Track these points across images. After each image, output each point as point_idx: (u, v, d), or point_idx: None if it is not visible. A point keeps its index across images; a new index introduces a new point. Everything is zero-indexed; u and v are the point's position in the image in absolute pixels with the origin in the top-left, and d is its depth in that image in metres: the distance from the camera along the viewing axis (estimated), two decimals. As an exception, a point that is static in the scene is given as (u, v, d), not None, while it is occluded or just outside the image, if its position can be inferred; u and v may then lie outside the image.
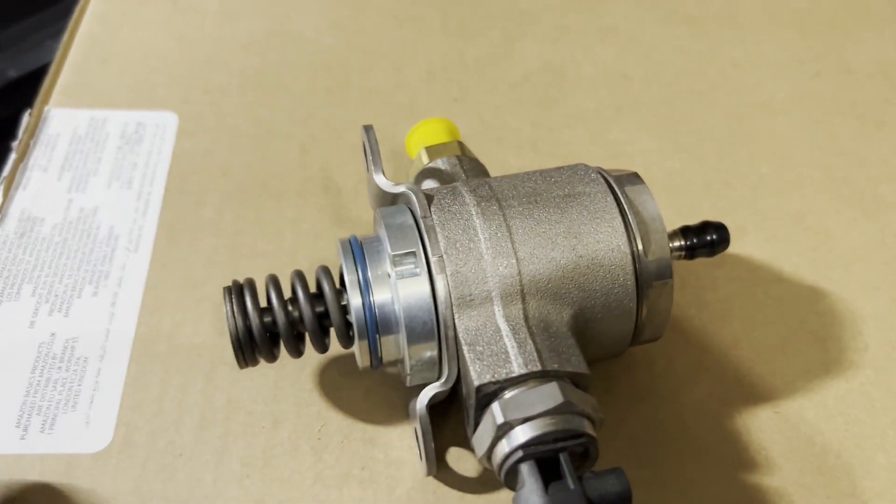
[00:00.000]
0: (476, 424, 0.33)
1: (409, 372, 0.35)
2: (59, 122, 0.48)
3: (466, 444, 0.37)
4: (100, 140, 0.48)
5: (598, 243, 0.34)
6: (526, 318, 0.33)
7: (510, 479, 0.31)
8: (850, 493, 0.36)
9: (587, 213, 0.34)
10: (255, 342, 0.35)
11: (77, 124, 0.48)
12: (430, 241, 0.33)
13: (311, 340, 0.35)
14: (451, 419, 0.38)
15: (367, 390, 0.39)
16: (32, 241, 0.43)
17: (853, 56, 0.54)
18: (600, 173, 0.36)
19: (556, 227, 0.34)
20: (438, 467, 0.36)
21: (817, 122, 0.50)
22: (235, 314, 0.34)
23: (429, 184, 0.40)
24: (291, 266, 0.43)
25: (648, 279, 0.34)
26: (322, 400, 0.39)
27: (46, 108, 0.49)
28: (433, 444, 0.34)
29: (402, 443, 0.37)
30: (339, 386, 0.39)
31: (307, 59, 0.53)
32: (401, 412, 0.38)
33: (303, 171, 0.48)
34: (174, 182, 0.46)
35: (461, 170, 0.40)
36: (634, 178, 0.36)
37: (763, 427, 0.38)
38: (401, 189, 0.35)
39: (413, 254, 0.34)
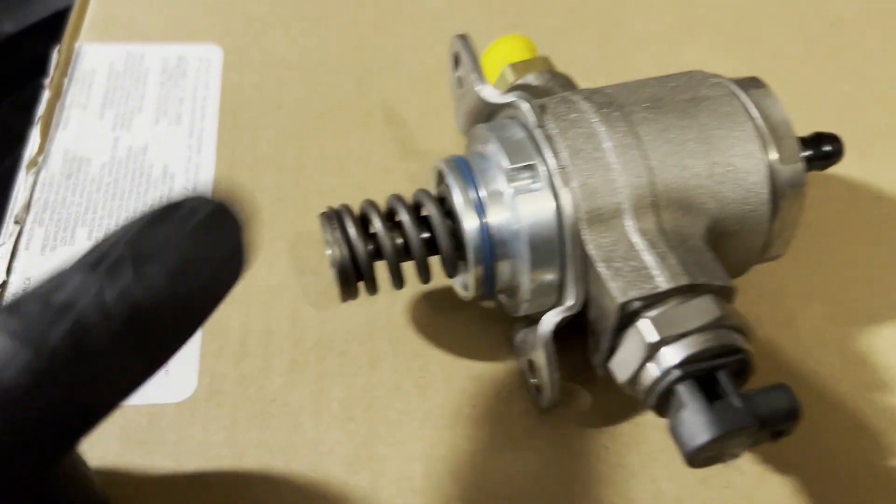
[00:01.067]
0: (611, 348, 0.30)
1: (527, 299, 0.32)
2: (92, 57, 0.44)
3: (577, 377, 0.35)
4: (140, 76, 0.44)
5: (731, 148, 0.31)
6: (662, 231, 0.30)
7: (662, 403, 0.28)
8: None
9: (717, 117, 0.32)
10: (360, 271, 0.31)
11: (113, 60, 0.44)
12: (550, 151, 0.30)
13: (418, 269, 0.32)
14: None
15: (463, 325, 0.36)
16: (81, 182, 0.39)
17: (918, -28, 0.52)
18: (720, 78, 0.34)
19: (686, 132, 0.31)
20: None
21: (890, 38, 0.48)
22: (339, 241, 0.31)
23: (522, 93, 0.36)
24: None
25: (782, 187, 0.32)
26: (418, 337, 0.36)
27: (77, 45, 0.45)
28: (558, 375, 0.32)
29: (511, 378, 0.35)
30: (433, 321, 0.36)
31: (351, -12, 0.50)
32: (502, 347, 0.36)
33: (361, 103, 0.44)
34: (227, 118, 0.43)
35: (556, 84, 0.37)
36: (757, 81, 0.34)
37: (888, 347, 0.36)
38: (510, 98, 0.32)
39: (532, 167, 0.31)
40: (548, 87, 0.37)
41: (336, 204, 0.40)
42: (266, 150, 0.42)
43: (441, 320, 0.36)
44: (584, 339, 0.32)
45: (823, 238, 0.39)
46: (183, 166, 0.40)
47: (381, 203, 0.33)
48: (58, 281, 0.19)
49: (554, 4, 0.49)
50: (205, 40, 0.46)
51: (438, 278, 0.33)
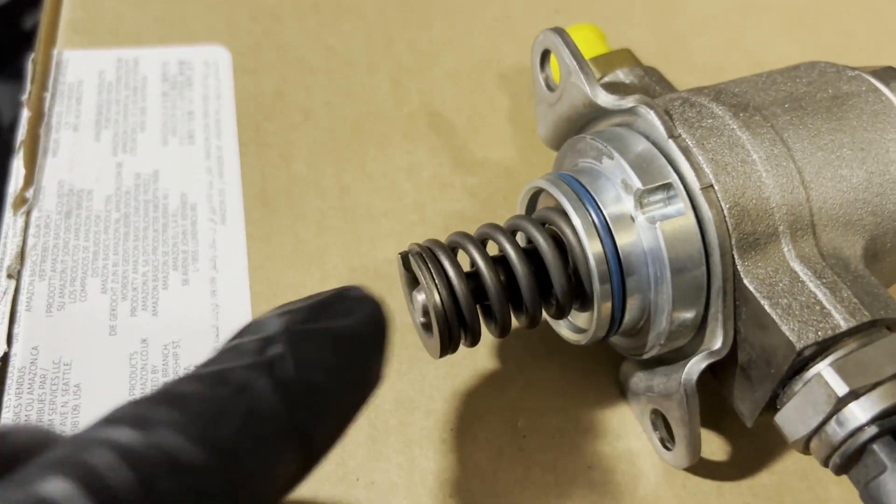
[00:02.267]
0: (775, 397, 0.25)
1: (660, 342, 0.27)
2: (77, 66, 0.37)
3: (704, 422, 0.30)
4: (136, 86, 0.37)
5: (888, 153, 0.27)
6: (822, 256, 0.26)
7: (849, 463, 0.24)
8: None
9: (867, 118, 0.27)
10: (464, 319, 0.26)
11: (102, 68, 0.37)
12: (691, 166, 0.25)
13: (527, 311, 0.27)
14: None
15: (561, 369, 0.31)
16: (84, 221, 0.32)
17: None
18: (855, 70, 0.29)
19: (838, 137, 0.27)
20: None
21: (958, 14, 0.45)
22: (438, 285, 0.26)
23: (642, 98, 0.31)
24: (423, 224, 0.35)
25: (941, 194, 0.28)
26: (512, 386, 0.30)
27: (56, 52, 0.38)
28: (699, 429, 0.27)
29: (626, 429, 0.30)
30: (526, 366, 0.31)
31: (365, -26, 0.44)
32: (610, 392, 0.31)
33: (401, 107, 0.38)
34: (247, 133, 0.36)
35: (651, 82, 0.32)
36: (894, 71, 0.29)
37: None
38: (630, 104, 0.27)
39: (668, 186, 0.26)
40: (644, 85, 0.32)
41: (392, 232, 0.34)
42: (300, 169, 0.36)
43: (535, 365, 0.31)
44: (716, 382, 0.28)
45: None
46: (204, 194, 0.34)
47: (443, 234, 0.27)
48: (219, 370, 0.18)
49: (598, -14, 0.44)
50: (208, 41, 0.39)
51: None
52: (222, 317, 0.31)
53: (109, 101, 0.36)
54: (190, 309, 0.31)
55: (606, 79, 0.32)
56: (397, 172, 0.36)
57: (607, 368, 0.31)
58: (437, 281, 0.26)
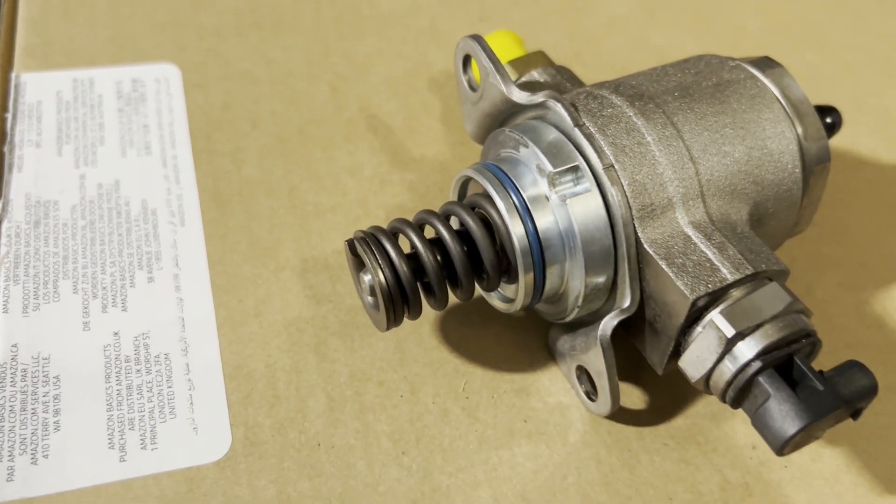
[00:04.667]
0: (678, 345, 0.29)
1: (577, 304, 0.31)
2: (35, 88, 0.40)
3: (623, 375, 0.34)
4: (93, 104, 0.40)
5: (764, 131, 0.31)
6: (712, 221, 0.30)
7: (741, 396, 0.28)
8: None
9: (746, 101, 0.32)
10: (406, 295, 0.29)
11: (59, 88, 0.40)
12: (594, 150, 0.29)
13: (461, 286, 0.30)
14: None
15: (497, 337, 0.35)
16: (52, 229, 0.35)
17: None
18: (735, 61, 0.33)
19: (721, 118, 0.31)
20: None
21: (843, 6, 0.50)
22: (381, 265, 0.29)
23: (551, 93, 0.35)
24: (367, 217, 0.38)
25: (811, 164, 0.32)
26: (454, 356, 0.34)
27: (13, 75, 0.40)
28: (617, 379, 0.31)
29: (556, 387, 0.34)
30: (466, 338, 0.34)
31: (301, -9, 0.47)
32: (540, 355, 0.34)
33: (340, 113, 0.42)
34: (200, 142, 0.39)
35: (563, 79, 0.36)
36: (770, 61, 0.34)
37: (902, 307, 0.37)
38: (540, 99, 0.31)
39: (575, 168, 0.29)
40: (556, 83, 0.35)
41: (339, 225, 0.37)
42: (251, 172, 0.39)
43: (474, 336, 0.35)
44: (630, 338, 0.32)
45: (822, 207, 0.40)
46: (163, 199, 0.37)
47: (386, 225, 0.31)
48: None
49: (516, -5, 0.48)
50: (158, 59, 0.42)
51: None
52: (186, 308, 0.34)
53: (69, 119, 0.39)
54: (156, 303, 0.34)
55: (523, 79, 0.36)
56: (341, 172, 0.39)
57: (537, 335, 0.35)
58: (380, 262, 0.29)
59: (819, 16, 0.49)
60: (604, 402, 0.31)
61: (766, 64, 0.33)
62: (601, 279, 0.30)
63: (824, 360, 0.34)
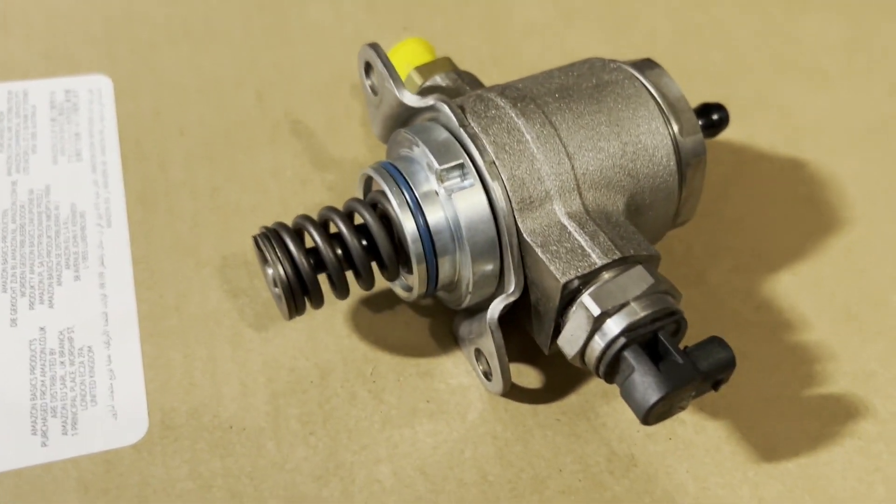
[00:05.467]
0: (557, 326, 0.32)
1: (470, 290, 0.33)
2: (-29, 100, 0.42)
3: (522, 358, 0.36)
4: (27, 114, 0.42)
5: (638, 127, 0.34)
6: (587, 211, 0.32)
7: (611, 371, 0.30)
8: (879, 332, 0.38)
9: (622, 100, 0.34)
10: (305, 286, 0.32)
11: (-6, 100, 0.42)
12: (477, 149, 0.32)
13: (362, 276, 0.33)
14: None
15: (405, 324, 0.37)
16: (-16, 233, 0.37)
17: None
18: (618, 63, 0.36)
19: (596, 117, 0.33)
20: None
21: (750, 7, 0.52)
22: (281, 259, 0.31)
23: (441, 96, 0.38)
24: (286, 216, 0.40)
25: (687, 157, 0.35)
26: (363, 343, 0.36)
27: (-50, 87, 0.42)
28: (507, 359, 0.33)
29: (459, 369, 0.36)
30: (376, 325, 0.37)
31: (234, 1, 0.49)
32: (446, 340, 0.37)
33: (266, 117, 0.44)
34: (129, 148, 0.41)
35: (463, 83, 0.38)
36: (650, 62, 0.36)
37: (788, 290, 0.40)
38: (430, 102, 0.33)
39: (461, 165, 0.32)
40: (457, 87, 0.38)
41: (259, 222, 0.40)
42: (177, 175, 0.41)
43: (384, 323, 0.37)
44: (523, 323, 0.34)
45: (718, 201, 0.43)
46: (92, 202, 0.39)
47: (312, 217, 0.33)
48: None
49: (440, 3, 0.51)
50: (91, 71, 0.44)
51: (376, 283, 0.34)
52: (110, 304, 0.36)
53: (2, 130, 0.41)
54: (81, 299, 0.36)
55: (428, 83, 0.39)
56: (263, 173, 0.42)
57: (443, 321, 0.37)
58: (280, 256, 0.31)
59: (728, 18, 0.52)
60: (497, 382, 0.34)
61: (646, 65, 0.36)
62: (489, 267, 0.32)
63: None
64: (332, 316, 0.37)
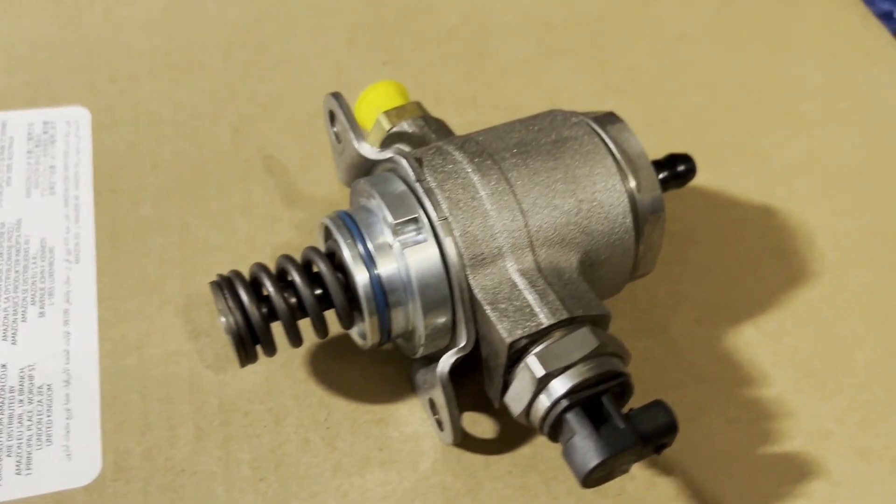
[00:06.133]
0: (506, 383, 0.32)
1: (422, 342, 0.33)
2: (-51, 130, 0.43)
3: (476, 406, 0.37)
4: (4, 145, 0.42)
5: (594, 185, 0.34)
6: (539, 269, 0.32)
7: (555, 431, 0.31)
8: (839, 391, 0.38)
9: (579, 157, 0.34)
10: (256, 336, 0.32)
11: (-28, 131, 0.43)
12: (431, 204, 0.32)
13: (315, 325, 0.33)
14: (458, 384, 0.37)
15: (363, 371, 0.37)
16: (-47, 267, 0.38)
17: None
18: (580, 116, 0.36)
19: (553, 174, 0.33)
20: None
21: (734, 49, 0.52)
22: (232, 309, 0.32)
23: (400, 148, 0.38)
24: (253, 256, 0.41)
25: (644, 214, 0.35)
26: (320, 388, 0.37)
27: (-69, 117, 0.43)
28: (458, 412, 0.33)
29: (414, 417, 0.36)
30: (334, 371, 0.37)
31: (216, 34, 0.50)
32: (403, 387, 0.37)
33: (240, 153, 0.44)
34: (102, 182, 0.42)
35: (429, 130, 0.38)
36: (613, 117, 0.36)
37: (749, 343, 0.40)
38: (388, 154, 0.34)
39: (415, 220, 0.32)
40: (423, 134, 0.38)
41: (224, 263, 0.40)
42: (147, 211, 0.41)
43: (341, 369, 0.37)
44: (477, 374, 0.34)
45: (686, 248, 0.43)
46: (62, 237, 0.39)
47: (272, 262, 0.34)
48: None
49: (421, 39, 0.51)
50: (70, 102, 0.45)
51: (335, 327, 0.34)
52: (73, 342, 0.36)
53: (-22, 160, 0.42)
54: (45, 336, 0.36)
55: (395, 129, 0.39)
56: (233, 210, 0.42)
57: (401, 368, 0.37)
58: (231, 305, 0.32)
59: (711, 59, 0.52)
60: (447, 433, 0.34)
61: (607, 120, 0.36)
62: (441, 320, 0.33)
63: (672, 394, 0.37)
64: (291, 360, 0.37)
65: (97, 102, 0.45)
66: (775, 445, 0.37)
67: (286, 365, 0.37)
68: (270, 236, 0.41)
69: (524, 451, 0.36)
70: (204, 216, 0.42)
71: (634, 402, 0.33)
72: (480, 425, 0.36)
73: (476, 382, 0.35)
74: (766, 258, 0.43)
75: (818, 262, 0.43)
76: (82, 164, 0.42)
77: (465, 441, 0.36)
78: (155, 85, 0.47)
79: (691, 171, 0.39)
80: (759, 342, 0.40)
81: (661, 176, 0.39)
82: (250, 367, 0.36)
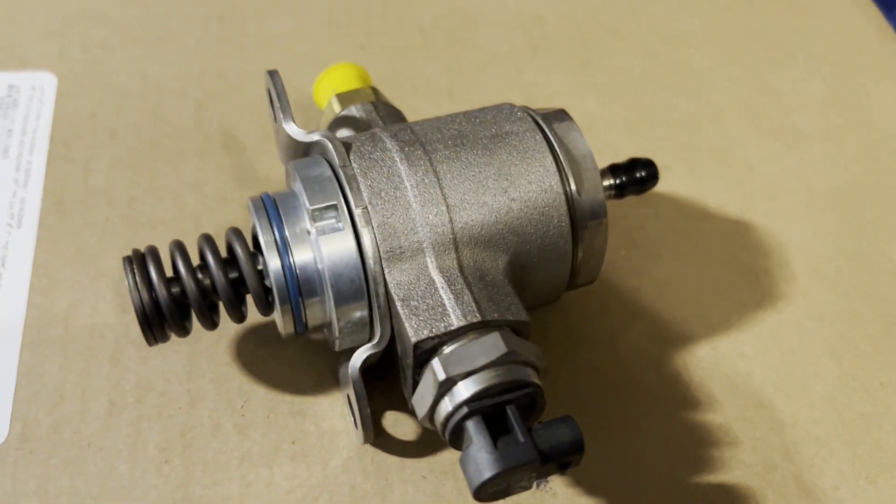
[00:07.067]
0: (415, 384, 0.30)
1: (337, 335, 0.32)
2: (-85, 87, 0.43)
3: (402, 406, 0.35)
4: (-34, 106, 0.43)
5: (529, 184, 0.32)
6: (461, 268, 0.31)
7: (456, 439, 0.29)
8: (791, 423, 0.36)
9: (517, 154, 0.32)
10: (163, 316, 0.31)
11: (-63, 90, 0.43)
12: (351, 191, 0.31)
13: (227, 310, 0.32)
14: (384, 381, 0.35)
15: (290, 360, 0.36)
16: None
17: (760, -12, 0.54)
18: (527, 112, 0.34)
19: (485, 169, 0.32)
20: (375, 433, 0.34)
21: (731, 55, 0.50)
22: (139, 286, 0.31)
23: (344, 133, 0.37)
24: (196, 233, 0.39)
25: (583, 219, 0.33)
26: (243, 374, 0.36)
27: None
28: (368, 410, 0.32)
29: (334, 412, 0.35)
30: (259, 357, 0.36)
31: (196, 8, 0.49)
32: (329, 380, 0.36)
33: (200, 129, 0.44)
34: (57, 149, 0.42)
35: (377, 116, 0.37)
36: (562, 114, 0.34)
37: (702, 364, 0.37)
38: (315, 137, 0.32)
39: (334, 207, 0.31)
40: (370, 120, 0.37)
41: (168, 237, 0.39)
42: (98, 181, 0.41)
43: (267, 354, 0.36)
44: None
45: (649, 259, 0.41)
46: (6, 202, 0.39)
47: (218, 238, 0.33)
48: None
49: (404, 25, 0.50)
50: (39, 68, 0.45)
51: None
52: (0, 306, 0.36)
53: (-61, 119, 0.42)
54: (-27, 300, 0.36)
55: (343, 112, 0.38)
56: (184, 187, 0.41)
57: (330, 360, 0.36)
58: (139, 283, 0.31)
59: (704, 64, 0.49)
60: (358, 431, 0.33)
61: (556, 117, 0.34)
62: (356, 314, 0.31)
63: (609, 408, 0.36)
64: (217, 343, 0.36)
65: (65, 69, 0.45)
66: (712, 474, 0.34)
67: (211, 348, 0.36)
68: (218, 215, 0.40)
69: (443, 457, 0.34)
70: (153, 190, 0.41)
71: (571, 413, 0.32)
72: (401, 426, 0.35)
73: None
74: (734, 276, 0.40)
75: (789, 285, 0.40)
76: (41, 129, 0.42)
77: (381, 441, 0.34)
78: (126, 56, 0.46)
79: (652, 177, 0.37)
80: (712, 364, 0.37)
81: (618, 181, 0.37)
82: (172, 346, 0.36)
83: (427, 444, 0.34)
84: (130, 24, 0.48)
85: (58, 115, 0.43)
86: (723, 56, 0.50)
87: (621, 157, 0.43)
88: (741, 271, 0.41)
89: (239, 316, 0.33)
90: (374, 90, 0.39)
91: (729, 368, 0.37)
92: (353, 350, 0.34)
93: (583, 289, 0.37)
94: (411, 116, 0.41)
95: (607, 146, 0.45)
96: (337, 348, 0.33)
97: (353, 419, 0.34)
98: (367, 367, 0.31)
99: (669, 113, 0.47)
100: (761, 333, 0.38)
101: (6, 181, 0.40)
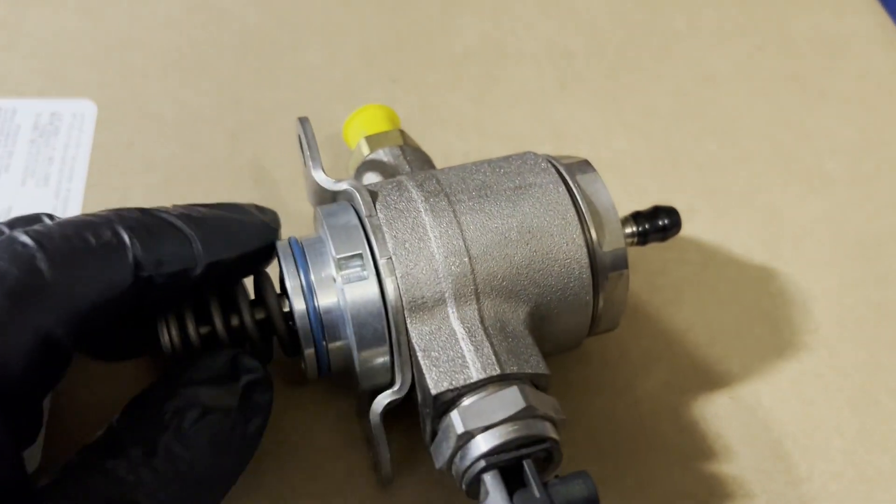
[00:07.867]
0: (434, 433, 0.31)
1: (359, 381, 0.33)
2: (-39, 114, 0.44)
3: (422, 448, 0.36)
4: (10, 132, 0.44)
5: (552, 237, 0.33)
6: (482, 319, 0.31)
7: (473, 490, 0.30)
8: (808, 478, 0.36)
9: (540, 206, 0.33)
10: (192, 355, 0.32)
11: (-17, 116, 0.44)
12: (377, 241, 0.31)
13: (257, 350, 0.33)
14: (404, 421, 0.36)
15: (311, 395, 0.37)
16: (-62, 249, 0.39)
17: (793, 27, 0.53)
18: (550, 162, 0.35)
19: (508, 221, 0.32)
20: (395, 473, 0.35)
21: (762, 95, 0.50)
22: (170, 327, 0.32)
23: (371, 177, 0.37)
24: (227, 264, 0.41)
25: (604, 271, 0.33)
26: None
27: (-54, 99, 0.45)
28: (389, 455, 0.33)
29: (354, 452, 0.36)
30: (283, 392, 0.37)
31: (233, 38, 0.50)
32: (349, 418, 0.37)
33: (233, 160, 0.45)
34: (95, 178, 0.43)
35: (404, 161, 0.38)
36: (586, 165, 0.35)
37: (720, 414, 0.38)
38: (343, 186, 0.33)
39: (359, 256, 0.32)
40: (396, 164, 0.37)
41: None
42: (133, 211, 0.42)
43: (289, 393, 0.37)
44: (419, 415, 0.33)
45: (670, 304, 0.41)
46: (46, 230, 0.40)
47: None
48: None
49: (437, 59, 0.50)
50: (80, 95, 0.46)
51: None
52: (36, 335, 0.37)
53: (-17, 145, 0.43)
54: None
55: (371, 156, 0.38)
56: (215, 219, 0.42)
57: (349, 399, 0.37)
58: (168, 322, 0.32)
59: (735, 104, 0.49)
60: (379, 472, 0.33)
61: (579, 168, 0.34)
62: (378, 361, 0.32)
63: (624, 459, 0.36)
64: (243, 376, 0.37)
65: (105, 97, 0.46)
66: (726, 528, 0.35)
67: (237, 381, 0.37)
68: (248, 248, 0.41)
69: (465, 499, 0.35)
70: (186, 221, 0.42)
71: (583, 462, 0.32)
72: (421, 464, 0.35)
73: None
74: (755, 324, 0.40)
75: (812, 335, 0.40)
76: (80, 158, 0.43)
77: (403, 480, 0.35)
78: (163, 84, 0.47)
79: (675, 225, 0.37)
80: (730, 414, 0.37)
81: (640, 228, 0.37)
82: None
83: (448, 485, 0.35)
84: (168, 53, 0.49)
85: (97, 143, 0.44)
86: (753, 97, 0.49)
87: (647, 196, 0.43)
88: (763, 319, 0.41)
89: (266, 356, 0.33)
90: (403, 133, 0.40)
91: (747, 418, 0.37)
92: (374, 392, 0.34)
93: (604, 335, 0.37)
94: (440, 151, 0.42)
95: (633, 185, 0.45)
96: (359, 390, 0.34)
97: (373, 461, 0.35)
98: (391, 408, 0.32)
99: (698, 153, 0.47)
100: (780, 384, 0.39)
101: (46, 208, 0.41)
